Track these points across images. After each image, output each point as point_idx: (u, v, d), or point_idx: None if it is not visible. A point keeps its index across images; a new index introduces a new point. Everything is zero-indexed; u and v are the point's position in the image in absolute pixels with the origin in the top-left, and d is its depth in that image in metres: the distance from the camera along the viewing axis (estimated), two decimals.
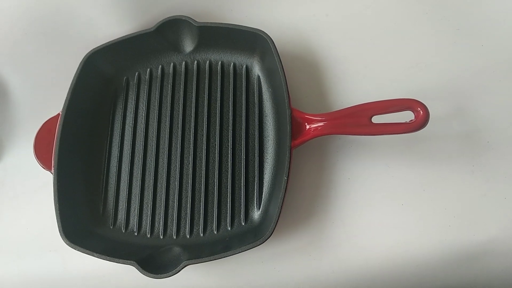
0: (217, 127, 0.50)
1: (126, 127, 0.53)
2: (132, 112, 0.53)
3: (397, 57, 0.50)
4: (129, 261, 0.43)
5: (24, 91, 0.58)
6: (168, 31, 0.52)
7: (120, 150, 0.52)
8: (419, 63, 0.49)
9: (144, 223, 0.49)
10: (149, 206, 0.49)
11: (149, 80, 0.54)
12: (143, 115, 0.53)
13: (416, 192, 0.45)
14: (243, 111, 0.50)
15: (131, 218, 0.50)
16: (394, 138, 0.46)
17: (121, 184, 0.51)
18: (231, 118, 0.50)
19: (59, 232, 0.46)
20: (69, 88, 0.51)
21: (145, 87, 0.54)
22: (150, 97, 0.54)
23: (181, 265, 0.42)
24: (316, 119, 0.45)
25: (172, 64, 0.54)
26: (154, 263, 0.44)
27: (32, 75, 0.57)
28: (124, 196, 0.50)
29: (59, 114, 0.51)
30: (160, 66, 0.54)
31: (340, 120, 0.44)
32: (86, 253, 0.45)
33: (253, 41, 0.50)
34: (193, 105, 0.52)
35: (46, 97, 0.57)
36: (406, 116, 0.42)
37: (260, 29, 0.48)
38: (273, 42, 0.47)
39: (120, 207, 0.50)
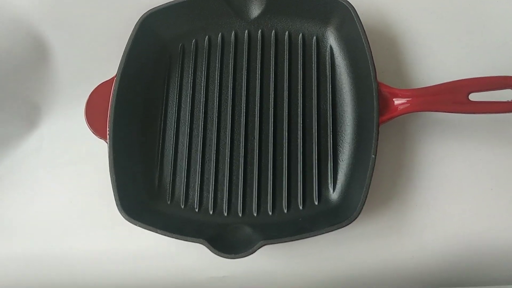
0: (285, 101, 0.47)
1: (182, 97, 0.49)
2: (189, 82, 0.49)
3: (484, 34, 0.47)
4: (198, 239, 0.40)
5: (67, 53, 0.53)
6: None
7: (177, 121, 0.48)
8: (509, 41, 0.46)
9: (205, 199, 0.45)
10: (211, 181, 0.46)
11: (208, 47, 0.50)
12: (202, 85, 0.49)
13: (507, 176, 0.43)
14: (313, 84, 0.47)
15: (191, 193, 0.46)
16: (482, 118, 0.43)
17: (179, 156, 0.47)
18: (300, 91, 0.47)
19: (117, 206, 0.42)
20: (124, 50, 0.47)
21: (204, 55, 0.50)
22: (210, 65, 0.50)
23: (257, 244, 0.39)
24: (405, 94, 0.42)
25: (233, 31, 0.50)
26: (223, 242, 0.41)
27: (79, 36, 0.53)
28: (183, 169, 0.46)
29: (113, 78, 0.47)
30: (220, 34, 0.50)
31: (434, 96, 0.41)
32: (148, 229, 0.41)
33: (329, 9, 0.46)
34: (258, 76, 0.48)
35: (92, 62, 0.53)
36: (503, 95, 0.39)
37: None
38: (356, 11, 0.44)
39: (177, 181, 0.46)
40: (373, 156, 0.40)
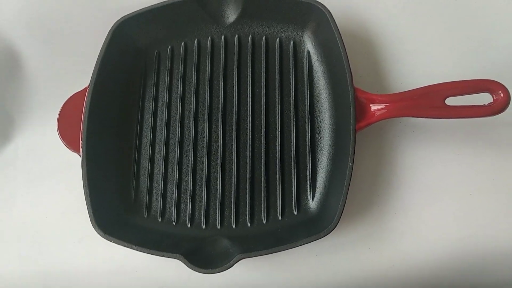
0: (263, 108, 0.46)
1: (158, 105, 0.48)
2: (165, 90, 0.48)
3: (462, 35, 0.46)
4: (174, 254, 0.39)
5: (41, 63, 0.52)
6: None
7: (153, 131, 0.47)
8: (484, 42, 0.45)
9: (182, 211, 0.45)
10: (188, 192, 0.45)
11: (184, 54, 0.49)
12: (178, 92, 0.48)
13: (486, 181, 0.42)
14: (291, 90, 0.46)
15: (168, 206, 0.45)
16: (460, 123, 0.43)
17: (155, 168, 0.46)
18: (278, 98, 0.46)
19: (91, 222, 0.41)
20: (97, 59, 0.46)
21: (180, 62, 0.49)
22: (186, 73, 0.49)
23: (234, 258, 0.38)
24: (382, 99, 0.41)
25: (209, 37, 0.49)
26: (201, 256, 0.40)
27: (50, 44, 0.51)
28: (159, 182, 0.46)
29: (85, 88, 0.45)
30: (196, 40, 0.49)
31: (411, 101, 0.40)
32: (124, 245, 0.40)
33: (306, 13, 0.45)
34: (235, 83, 0.47)
35: (65, 70, 0.52)
36: (480, 99, 0.38)
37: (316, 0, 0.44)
38: (331, 15, 0.43)
39: (154, 194, 0.46)
40: (350, 164, 0.39)
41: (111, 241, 0.40)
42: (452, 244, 0.41)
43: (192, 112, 0.47)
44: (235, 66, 0.48)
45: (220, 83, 0.47)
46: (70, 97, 0.46)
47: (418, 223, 0.42)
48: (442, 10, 0.47)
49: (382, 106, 0.41)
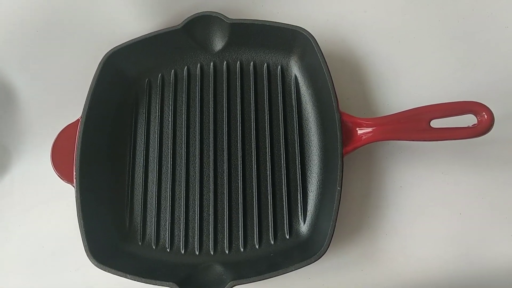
0: (253, 133, 0.47)
1: (150, 133, 0.49)
2: (156, 117, 0.49)
3: (445, 56, 0.47)
4: (168, 283, 0.39)
5: (33, 95, 0.53)
6: (197, 29, 0.48)
7: (146, 158, 0.48)
8: (469, 63, 0.46)
9: (176, 238, 0.45)
10: (181, 219, 0.45)
11: (174, 82, 0.50)
12: (169, 120, 0.49)
13: (475, 201, 0.42)
14: (280, 114, 0.47)
15: (162, 233, 0.46)
16: (448, 143, 0.43)
17: (148, 196, 0.47)
18: (267, 122, 0.47)
19: (86, 252, 0.41)
20: (89, 91, 0.47)
21: (170, 90, 0.50)
22: (176, 100, 0.49)
23: (227, 285, 0.38)
24: (368, 123, 0.41)
25: (199, 64, 0.50)
26: (194, 283, 0.41)
27: (43, 77, 0.52)
28: (153, 209, 0.46)
29: (78, 119, 0.46)
30: (185, 67, 0.50)
31: (396, 124, 0.40)
32: (118, 275, 0.41)
33: (291, 39, 0.46)
34: (225, 108, 0.48)
35: (58, 102, 0.53)
36: (464, 120, 0.39)
37: (299, 26, 0.45)
38: (316, 41, 0.44)
39: (148, 221, 0.46)
40: (338, 188, 0.39)
41: (105, 271, 0.41)
42: (444, 263, 0.42)
43: (183, 139, 0.48)
44: (224, 92, 0.48)
45: (210, 109, 0.48)
46: (63, 129, 0.47)
47: (409, 243, 0.42)
48: (427, 31, 0.48)
49: (368, 130, 0.41)
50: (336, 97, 0.42)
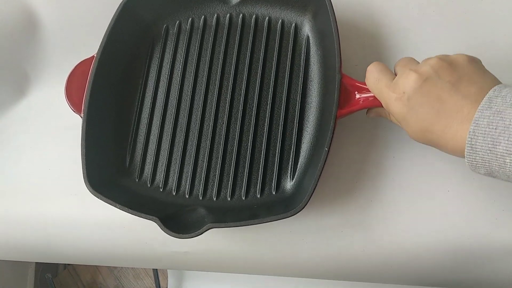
0: (257, 88, 0.47)
1: (161, 78, 0.50)
2: (168, 63, 0.50)
3: (463, 33, 0.44)
4: (151, 217, 0.42)
5: (57, 25, 0.56)
6: None
7: (153, 101, 0.50)
8: (487, 41, 0.44)
9: (170, 179, 0.47)
10: (178, 163, 0.47)
11: (189, 30, 0.51)
12: (180, 67, 0.50)
13: (466, 180, 0.42)
14: (286, 72, 0.47)
15: (158, 173, 0.48)
16: None
17: (151, 137, 0.49)
18: (272, 79, 0.47)
19: (83, 179, 0.44)
20: (106, 32, 0.48)
21: (185, 38, 0.51)
22: (189, 49, 0.51)
23: (204, 227, 0.40)
24: (367, 88, 0.41)
25: (215, 15, 0.51)
26: (177, 222, 0.42)
27: (68, 10, 0.55)
28: (153, 150, 0.48)
29: (93, 56, 0.48)
30: (203, 17, 0.51)
31: None
32: (109, 203, 0.43)
33: None
34: (234, 61, 0.48)
35: (80, 35, 0.55)
36: None
37: None
38: (330, 1, 0.43)
39: (147, 161, 0.48)
40: (326, 149, 0.40)
41: (98, 198, 0.43)
42: (423, 238, 0.41)
43: (190, 87, 0.49)
44: (235, 45, 0.49)
45: (220, 60, 0.49)
46: (79, 63, 0.49)
47: (392, 213, 0.42)
48: (446, 6, 0.46)
49: (367, 95, 0.41)
50: (340, 59, 0.41)
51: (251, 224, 0.40)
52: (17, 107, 0.56)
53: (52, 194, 0.51)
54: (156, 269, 1.07)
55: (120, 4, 0.49)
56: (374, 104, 0.40)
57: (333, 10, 0.43)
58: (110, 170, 0.47)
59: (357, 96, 0.41)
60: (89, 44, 0.50)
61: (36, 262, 1.11)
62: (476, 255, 0.40)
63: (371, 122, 0.45)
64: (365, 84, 0.41)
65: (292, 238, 0.44)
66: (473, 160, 0.31)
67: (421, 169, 0.43)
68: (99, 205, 0.46)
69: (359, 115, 0.44)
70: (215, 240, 0.46)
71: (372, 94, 0.40)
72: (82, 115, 0.47)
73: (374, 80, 0.38)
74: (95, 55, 0.48)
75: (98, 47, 0.48)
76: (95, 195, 0.43)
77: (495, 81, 0.33)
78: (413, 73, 0.35)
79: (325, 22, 0.44)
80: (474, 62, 0.35)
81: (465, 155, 0.31)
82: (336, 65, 0.41)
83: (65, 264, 1.27)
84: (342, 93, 0.41)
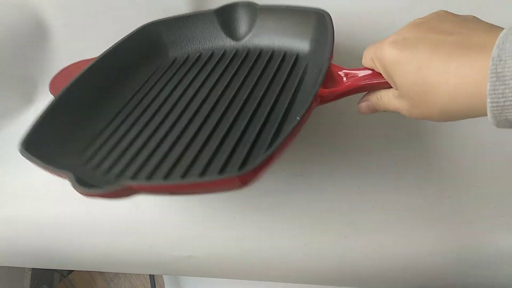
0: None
1: (147, 96, 0.48)
2: (162, 88, 0.48)
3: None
4: (66, 172, 0.34)
5: (65, 34, 0.58)
6: (228, 15, 0.50)
7: (131, 112, 0.46)
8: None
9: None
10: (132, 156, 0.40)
11: (193, 63, 0.51)
12: (170, 89, 0.47)
13: (466, 186, 0.40)
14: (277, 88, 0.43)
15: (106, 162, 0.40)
16: None
17: (116, 134, 0.44)
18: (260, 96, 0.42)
19: (22, 137, 0.39)
20: (117, 42, 0.50)
21: (186, 68, 0.50)
22: (187, 74, 0.49)
23: (121, 181, 0.31)
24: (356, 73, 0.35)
25: (223, 50, 0.51)
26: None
27: (77, 20, 0.57)
28: (112, 144, 0.42)
29: (92, 58, 0.49)
30: (211, 52, 0.51)
31: None
32: (31, 161, 0.37)
33: (313, 21, 0.45)
34: (224, 85, 0.45)
35: (88, 44, 0.55)
36: None
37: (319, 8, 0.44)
38: (331, 19, 0.42)
39: (105, 162, 0.41)
40: (297, 118, 0.32)
41: (20, 152, 0.37)
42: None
43: (171, 105, 0.45)
44: (231, 73, 0.47)
45: (211, 84, 0.46)
46: (77, 62, 0.49)
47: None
48: None
49: (355, 73, 0.36)
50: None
51: (180, 184, 0.30)
52: (25, 114, 0.56)
53: (58, 199, 0.49)
54: (154, 282, 1.04)
55: (138, 28, 0.51)
56: (361, 85, 0.34)
57: (333, 27, 0.41)
58: (58, 145, 0.42)
59: (344, 79, 0.35)
60: (97, 54, 0.51)
61: (32, 274, 1.08)
62: (476, 260, 0.39)
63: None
64: (354, 70, 0.36)
65: (295, 242, 0.42)
66: (501, 94, 0.23)
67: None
68: (103, 209, 0.47)
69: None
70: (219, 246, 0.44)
71: (360, 73, 0.35)
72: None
73: (372, 45, 0.34)
74: (95, 58, 0.49)
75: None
76: (22, 153, 0.37)
77: None
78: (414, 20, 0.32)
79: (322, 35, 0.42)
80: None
81: (487, 91, 0.24)
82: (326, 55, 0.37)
83: (61, 276, 1.24)
84: (328, 77, 0.35)
